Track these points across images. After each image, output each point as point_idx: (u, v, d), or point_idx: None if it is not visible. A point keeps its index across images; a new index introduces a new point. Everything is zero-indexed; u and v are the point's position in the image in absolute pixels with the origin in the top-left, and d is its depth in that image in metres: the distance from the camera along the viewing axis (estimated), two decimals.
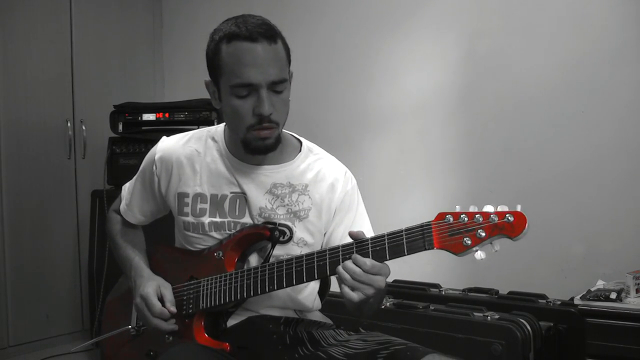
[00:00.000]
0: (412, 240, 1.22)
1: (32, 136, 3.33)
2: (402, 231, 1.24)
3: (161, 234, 1.72)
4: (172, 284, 1.51)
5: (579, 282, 2.38)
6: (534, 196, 2.61)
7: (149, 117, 3.14)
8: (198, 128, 1.63)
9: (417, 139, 2.99)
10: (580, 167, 2.56)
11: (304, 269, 1.33)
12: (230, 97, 1.38)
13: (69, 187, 3.47)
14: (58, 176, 3.43)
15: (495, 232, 1.16)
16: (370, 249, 1.26)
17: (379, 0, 3.10)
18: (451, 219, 1.19)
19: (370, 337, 1.40)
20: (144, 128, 3.18)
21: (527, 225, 1.14)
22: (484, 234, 1.16)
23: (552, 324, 2.21)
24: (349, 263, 1.26)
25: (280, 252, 1.47)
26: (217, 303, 1.43)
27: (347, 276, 1.25)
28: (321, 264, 1.32)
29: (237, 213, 1.49)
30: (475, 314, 2.18)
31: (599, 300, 2.06)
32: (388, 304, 2.37)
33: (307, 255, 1.34)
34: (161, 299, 1.46)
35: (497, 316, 2.16)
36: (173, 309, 1.45)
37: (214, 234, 1.50)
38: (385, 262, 1.27)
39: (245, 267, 1.47)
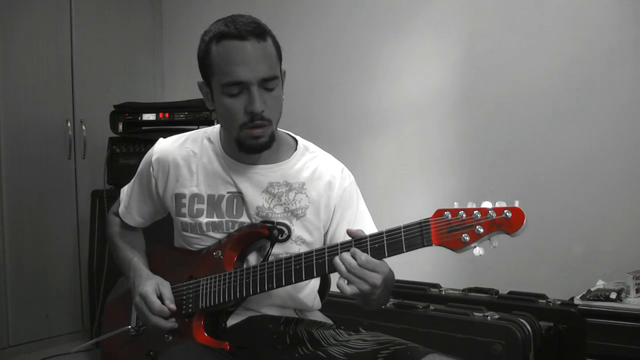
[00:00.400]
0: (411, 237, 1.22)
1: (32, 136, 3.33)
2: (400, 228, 1.24)
3: (161, 234, 1.72)
4: (172, 283, 1.52)
5: (579, 282, 2.38)
6: (534, 196, 2.62)
7: (149, 117, 3.14)
8: (198, 128, 1.63)
9: (417, 139, 2.99)
10: (579, 167, 2.56)
11: (303, 267, 1.33)
12: (222, 97, 1.39)
13: (69, 187, 3.47)
14: (58, 176, 3.43)
15: (493, 228, 1.16)
16: (369, 246, 1.26)
17: (379, 1, 3.10)
18: (449, 215, 1.19)
19: (371, 337, 1.40)
20: (144, 128, 3.18)
21: (525, 221, 1.14)
22: (482, 230, 1.16)
23: (552, 324, 2.21)
24: (346, 254, 1.26)
25: (278, 250, 1.47)
26: (217, 302, 1.43)
27: (342, 267, 1.26)
28: (320, 261, 1.32)
29: (234, 213, 1.49)
30: (475, 314, 2.18)
31: (599, 300, 2.06)
32: (388, 304, 2.37)
33: (306, 253, 1.34)
34: (160, 297, 1.47)
35: (497, 316, 2.16)
36: (173, 307, 1.46)
37: (212, 233, 1.51)
38: (385, 259, 1.27)
39: (244, 266, 1.47)
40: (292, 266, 1.35)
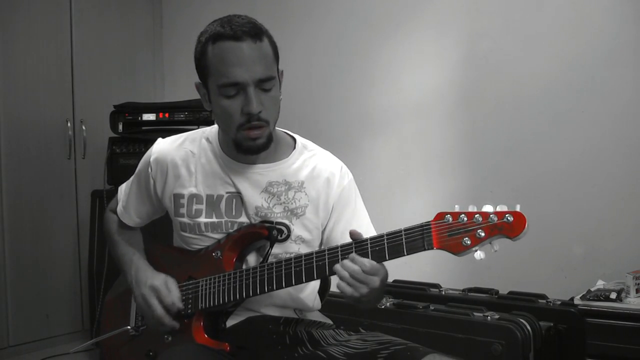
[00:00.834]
0: (412, 240, 1.22)
1: (32, 136, 3.33)
2: (401, 231, 1.24)
3: (159, 233, 1.72)
4: None
5: (579, 282, 2.38)
6: (534, 196, 2.61)
7: (149, 117, 3.14)
8: (198, 128, 1.63)
9: (417, 139, 2.99)
10: (580, 167, 2.56)
11: (303, 269, 1.33)
12: (218, 98, 1.38)
13: (69, 187, 3.47)
14: (58, 176, 3.43)
15: (494, 232, 1.16)
16: (369, 249, 1.26)
17: (379, 1, 3.10)
18: (450, 218, 1.19)
19: (370, 337, 1.40)
20: (144, 128, 3.18)
21: (526, 225, 1.13)
22: (483, 234, 1.16)
23: (552, 324, 2.21)
24: (347, 262, 1.26)
25: (278, 250, 1.47)
26: (216, 303, 1.43)
27: (345, 274, 1.26)
28: (320, 264, 1.32)
29: (233, 213, 1.49)
30: (475, 314, 2.18)
31: (599, 300, 2.06)
32: (388, 304, 2.37)
33: (306, 255, 1.34)
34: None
35: (497, 316, 2.16)
36: (180, 305, 1.45)
37: (210, 234, 1.50)
38: (384, 262, 1.27)
39: (243, 266, 1.47)
40: (292, 268, 1.35)
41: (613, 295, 2.05)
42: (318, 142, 1.59)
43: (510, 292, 2.43)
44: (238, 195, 1.49)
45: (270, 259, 1.45)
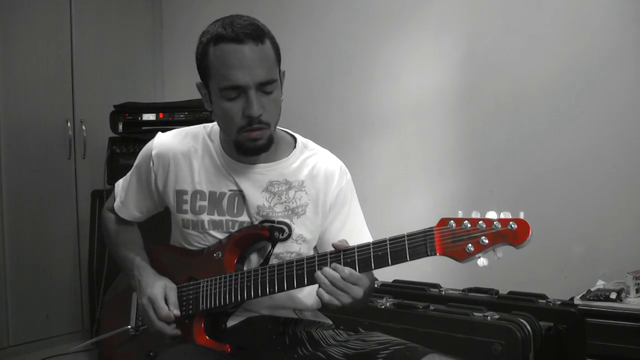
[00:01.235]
0: (415, 246, 1.21)
1: (32, 136, 3.33)
2: (404, 236, 1.23)
3: (157, 231, 1.72)
4: None
5: (579, 282, 2.38)
6: (534, 196, 2.61)
7: (149, 117, 3.14)
8: None
9: (417, 139, 2.99)
10: (580, 167, 2.55)
11: (305, 272, 1.32)
12: (219, 100, 1.38)
13: (69, 187, 3.47)
14: (58, 176, 3.43)
15: (498, 239, 1.14)
16: (372, 254, 1.25)
17: (380, 2, 3.10)
18: (454, 224, 1.18)
19: (370, 337, 1.40)
20: (144, 128, 3.18)
21: (530, 233, 1.12)
22: (487, 241, 1.15)
23: (552, 324, 2.21)
24: (327, 269, 1.26)
25: (279, 249, 1.47)
26: (217, 304, 1.43)
27: (325, 281, 1.26)
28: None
29: (235, 211, 1.49)
30: (475, 314, 2.18)
31: (599, 300, 2.05)
32: (388, 304, 2.37)
33: (308, 258, 1.33)
34: (166, 302, 1.46)
35: (497, 316, 2.15)
36: (177, 312, 1.45)
37: (212, 232, 1.50)
38: (389, 266, 1.25)
39: (244, 267, 1.47)
40: (294, 271, 1.34)
41: (613, 295, 2.05)
42: (318, 142, 1.59)
43: (510, 292, 2.42)
44: (240, 193, 1.48)
45: (272, 259, 1.45)
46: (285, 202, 1.48)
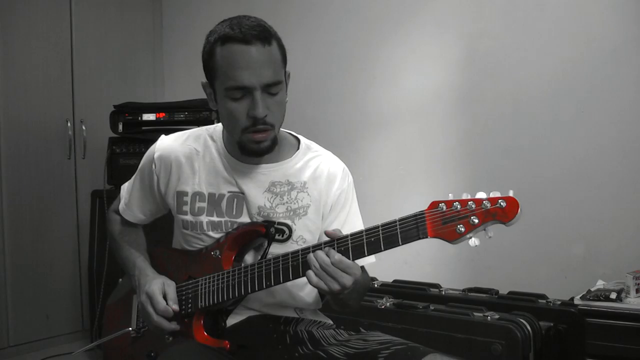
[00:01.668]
0: (406, 229, 1.22)
1: (32, 136, 3.33)
2: (395, 221, 1.24)
3: (160, 234, 1.72)
4: None
5: (579, 282, 2.38)
6: (534, 196, 2.61)
7: (149, 117, 3.14)
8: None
9: (417, 139, 2.99)
10: (580, 167, 2.56)
11: (300, 264, 1.33)
12: (225, 100, 1.39)
13: (69, 187, 3.47)
14: (58, 176, 3.43)
15: (488, 218, 1.16)
16: (365, 240, 1.26)
17: (379, 1, 3.10)
18: (444, 207, 1.20)
19: (371, 337, 1.40)
20: (144, 128, 3.18)
21: (519, 209, 1.14)
22: (477, 221, 1.16)
23: (552, 324, 2.21)
24: (319, 252, 1.27)
25: (279, 250, 1.46)
26: (215, 301, 1.43)
27: (315, 263, 1.27)
28: None
29: (234, 212, 1.49)
30: (475, 314, 2.18)
31: (599, 300, 2.06)
32: (388, 304, 2.37)
33: (302, 249, 1.33)
34: (164, 297, 1.46)
35: (497, 316, 2.16)
36: (176, 307, 1.45)
37: (211, 233, 1.51)
38: (382, 252, 1.26)
39: (242, 265, 1.47)
40: (289, 262, 1.34)
41: (613, 295, 2.05)
42: (318, 142, 1.60)
43: (510, 292, 2.43)
44: (240, 195, 1.49)
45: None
46: (287, 202, 1.48)
